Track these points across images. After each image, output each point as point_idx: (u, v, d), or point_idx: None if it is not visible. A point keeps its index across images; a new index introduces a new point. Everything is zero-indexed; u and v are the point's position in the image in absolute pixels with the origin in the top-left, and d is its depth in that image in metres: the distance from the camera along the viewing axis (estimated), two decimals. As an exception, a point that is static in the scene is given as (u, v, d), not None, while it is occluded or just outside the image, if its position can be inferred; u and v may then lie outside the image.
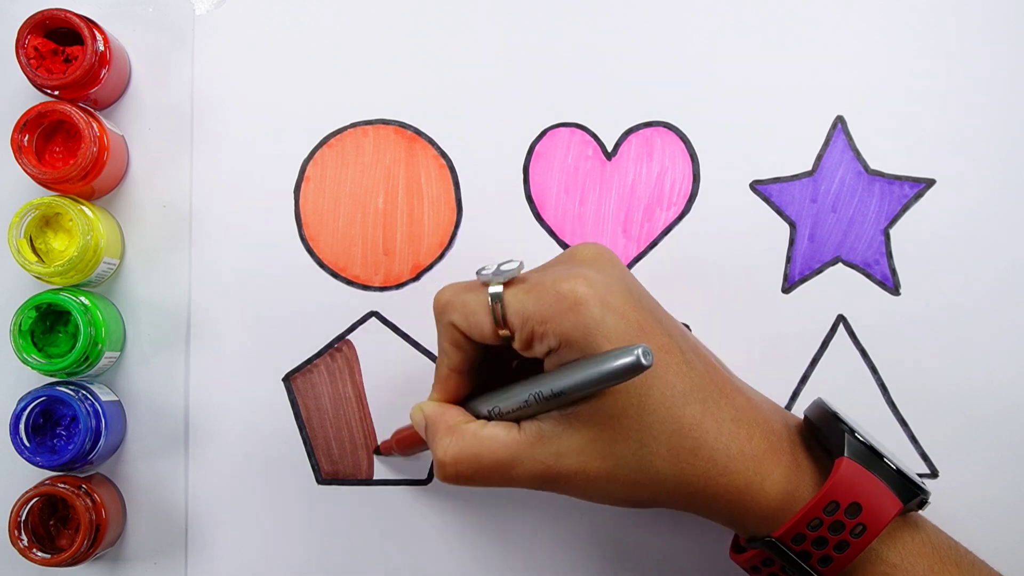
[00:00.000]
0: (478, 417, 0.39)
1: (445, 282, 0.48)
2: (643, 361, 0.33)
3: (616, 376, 0.34)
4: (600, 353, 0.35)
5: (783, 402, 0.48)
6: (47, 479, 0.46)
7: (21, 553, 0.44)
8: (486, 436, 0.38)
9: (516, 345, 0.37)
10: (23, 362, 0.45)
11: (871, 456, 0.37)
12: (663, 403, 0.36)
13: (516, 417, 0.38)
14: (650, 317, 0.37)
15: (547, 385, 0.36)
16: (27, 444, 0.44)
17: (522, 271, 0.38)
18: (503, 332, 0.37)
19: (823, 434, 0.39)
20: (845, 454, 0.37)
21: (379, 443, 0.48)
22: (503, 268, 0.37)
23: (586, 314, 0.35)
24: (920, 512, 0.39)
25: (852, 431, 0.38)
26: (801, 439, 0.39)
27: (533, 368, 0.39)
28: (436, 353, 0.49)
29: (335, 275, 0.49)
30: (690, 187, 0.49)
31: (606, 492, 0.37)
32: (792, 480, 0.37)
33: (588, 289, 0.36)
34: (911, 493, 0.37)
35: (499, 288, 0.37)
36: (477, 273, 0.38)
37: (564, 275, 0.36)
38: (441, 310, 0.39)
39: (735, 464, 0.36)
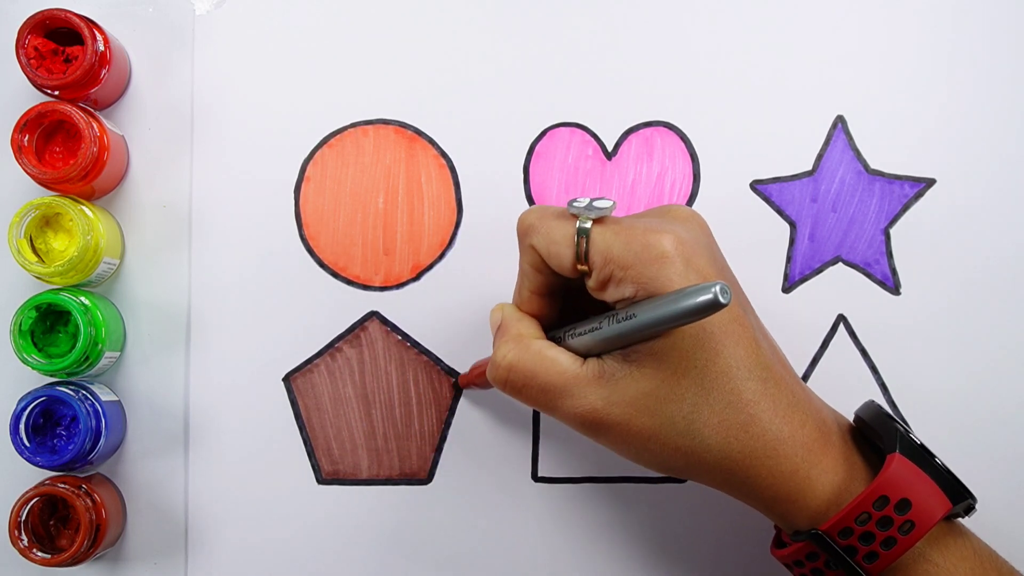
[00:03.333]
0: (550, 338, 0.39)
1: (445, 282, 0.49)
2: (720, 299, 0.32)
3: (692, 312, 0.32)
4: (671, 293, 0.34)
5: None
6: (47, 479, 0.46)
7: (21, 553, 0.44)
8: (548, 357, 0.37)
9: (591, 284, 0.37)
10: (23, 362, 0.45)
11: (923, 455, 0.36)
12: (726, 372, 0.35)
13: (584, 346, 0.37)
14: (725, 273, 0.37)
15: (622, 312, 0.35)
16: (27, 444, 0.44)
17: (613, 212, 0.37)
18: (582, 267, 0.37)
19: (875, 431, 0.38)
20: (897, 451, 0.36)
21: (459, 375, 0.48)
22: (596, 204, 0.36)
23: (669, 268, 0.35)
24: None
25: (906, 430, 0.37)
26: (852, 436, 0.39)
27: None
28: (435, 353, 0.49)
29: (335, 275, 0.49)
30: (690, 187, 0.49)
31: (644, 450, 0.37)
32: (840, 473, 0.36)
33: (675, 245, 0.35)
34: (960, 496, 0.36)
35: (587, 224, 0.36)
36: (569, 204, 0.37)
37: (655, 227, 0.36)
38: (524, 231, 0.39)
39: (785, 448, 0.36)
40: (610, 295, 0.37)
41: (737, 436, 0.36)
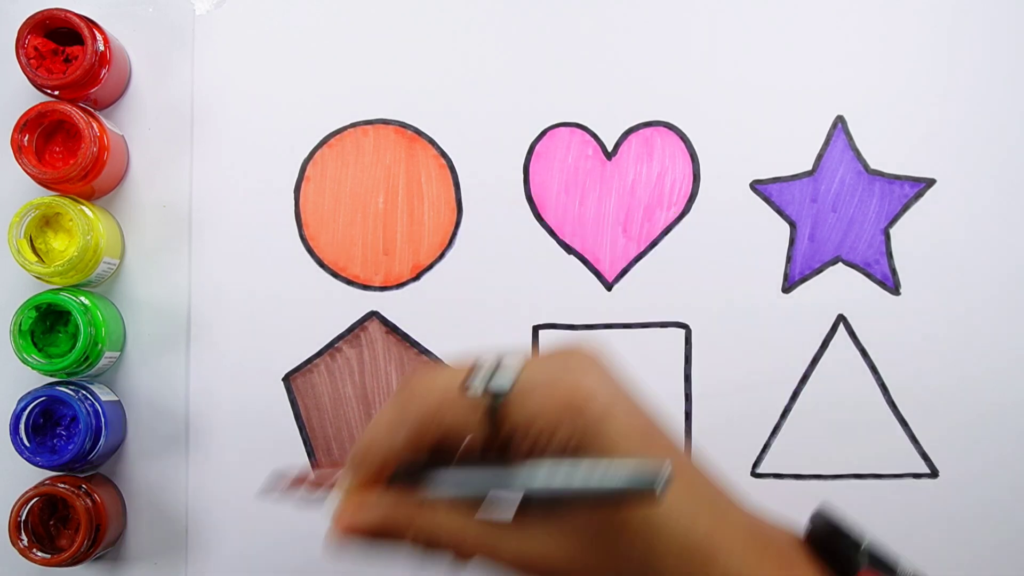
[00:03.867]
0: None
1: (445, 282, 0.49)
2: (660, 480, 0.29)
3: (629, 494, 0.29)
4: (610, 461, 0.30)
5: (783, 402, 0.48)
6: (47, 479, 0.46)
7: (21, 553, 0.44)
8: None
9: (515, 455, 0.32)
10: (23, 362, 0.45)
11: (886, 569, 0.33)
12: (672, 516, 0.32)
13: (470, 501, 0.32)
14: (652, 424, 0.33)
15: (534, 481, 0.31)
16: (27, 444, 0.44)
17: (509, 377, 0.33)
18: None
19: (830, 553, 0.36)
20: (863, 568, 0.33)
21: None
22: (493, 385, 0.32)
23: (591, 418, 0.31)
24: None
25: (857, 546, 0.35)
26: (809, 555, 0.37)
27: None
28: (435, 353, 0.49)
29: (335, 275, 0.49)
30: (690, 187, 0.49)
31: None
32: None
33: (587, 399, 0.31)
34: None
35: (496, 403, 0.32)
36: (465, 385, 0.33)
37: (561, 383, 0.32)
38: (429, 415, 0.33)
39: None
40: (537, 455, 0.32)
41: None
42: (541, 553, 0.32)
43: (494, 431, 0.32)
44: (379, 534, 0.34)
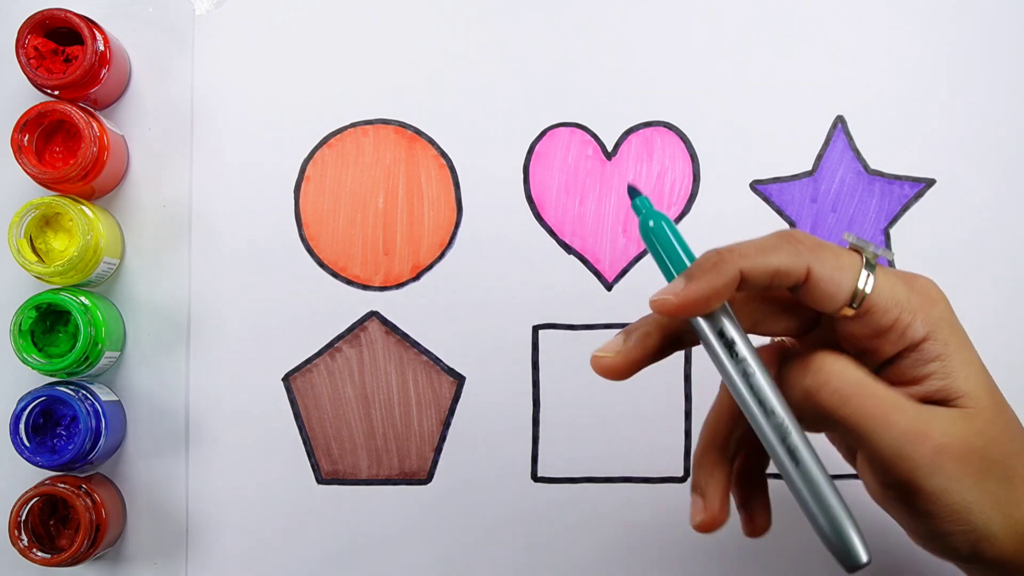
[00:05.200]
0: None
1: (445, 282, 0.49)
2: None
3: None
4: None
5: (783, 402, 0.48)
6: (47, 479, 0.46)
7: (21, 553, 0.44)
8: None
9: (862, 329, 0.34)
10: (23, 362, 0.45)
11: None
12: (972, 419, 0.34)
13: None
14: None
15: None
16: (27, 444, 0.44)
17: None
18: (846, 312, 0.33)
19: None
20: None
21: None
22: (877, 250, 0.34)
23: (949, 310, 0.34)
24: None
25: None
26: None
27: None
28: (435, 354, 0.49)
29: (335, 275, 0.49)
30: (690, 187, 0.49)
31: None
32: None
33: (943, 295, 0.34)
34: None
35: (874, 261, 0.34)
36: (851, 238, 0.35)
37: (916, 275, 0.35)
38: (808, 246, 0.33)
39: None
40: (888, 343, 0.34)
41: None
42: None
43: (859, 300, 0.33)
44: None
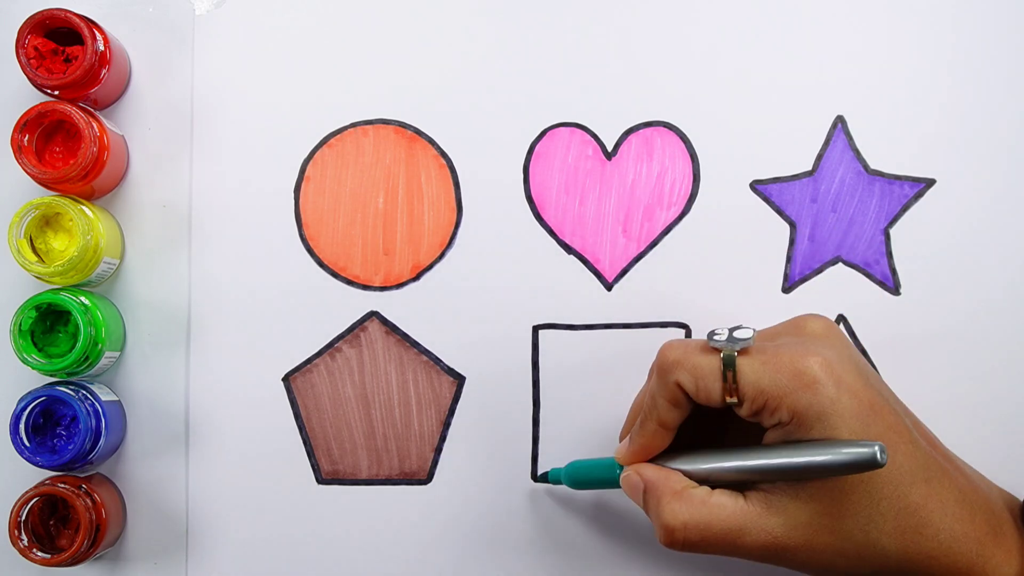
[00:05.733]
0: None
1: (445, 282, 0.49)
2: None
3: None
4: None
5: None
6: (47, 479, 0.46)
7: (21, 553, 0.44)
8: (714, 503, 0.38)
9: (742, 413, 0.38)
10: (23, 362, 0.45)
11: None
12: (891, 482, 0.36)
13: (732, 483, 0.38)
14: (879, 396, 0.37)
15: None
16: (27, 444, 0.44)
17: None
18: (731, 399, 0.37)
19: None
20: None
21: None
22: (737, 336, 0.37)
23: (822, 393, 0.36)
24: None
25: None
26: (1023, 520, 0.40)
27: (730, 426, 0.39)
28: (435, 354, 0.49)
29: (335, 275, 0.49)
30: (690, 187, 0.49)
31: (830, 564, 0.37)
32: (1012, 563, 0.37)
33: (824, 369, 0.36)
34: None
35: (732, 355, 0.37)
36: (709, 336, 0.38)
37: (799, 351, 0.37)
38: (668, 368, 0.39)
39: (958, 545, 0.37)
40: (764, 421, 0.37)
41: (913, 539, 0.37)
42: (783, 531, 0.37)
43: (730, 388, 0.37)
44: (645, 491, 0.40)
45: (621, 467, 0.42)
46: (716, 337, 0.38)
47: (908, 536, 0.36)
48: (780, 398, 0.36)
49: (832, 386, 0.36)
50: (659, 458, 0.41)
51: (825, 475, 0.36)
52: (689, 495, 0.38)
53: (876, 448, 0.34)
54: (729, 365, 0.37)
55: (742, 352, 0.37)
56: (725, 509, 0.37)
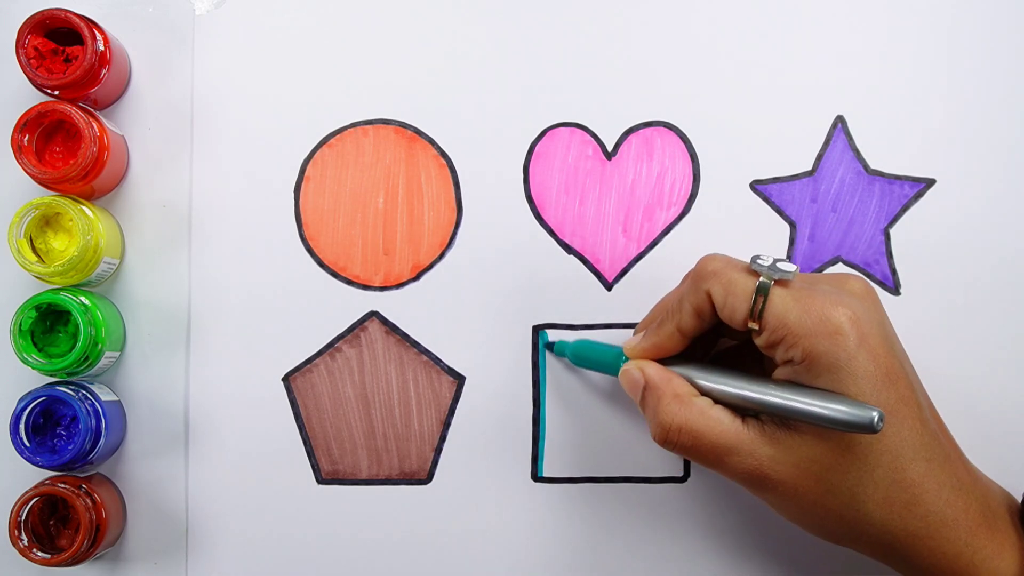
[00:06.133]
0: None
1: (445, 282, 0.49)
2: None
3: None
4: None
5: (783, 402, 0.48)
6: (47, 479, 0.46)
7: (21, 553, 0.44)
8: (712, 417, 0.38)
9: (759, 342, 0.38)
10: (23, 362, 0.45)
11: None
12: (890, 452, 0.36)
13: (731, 405, 0.38)
14: (898, 365, 0.37)
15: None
16: (27, 444, 0.44)
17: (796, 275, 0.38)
18: (752, 324, 0.37)
19: None
20: None
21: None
22: (780, 266, 0.37)
23: (842, 345, 0.36)
24: None
25: None
26: (1021, 520, 0.39)
27: (743, 354, 0.40)
28: (435, 354, 0.49)
29: (335, 275, 0.49)
30: (690, 187, 0.49)
31: (807, 513, 0.38)
32: (1008, 559, 0.37)
33: (851, 322, 0.36)
34: None
35: (768, 283, 0.37)
36: (753, 260, 0.38)
37: (832, 299, 0.37)
38: (704, 276, 0.39)
39: (948, 531, 0.36)
40: (777, 355, 0.38)
41: (900, 514, 0.36)
42: (770, 463, 0.37)
43: (756, 313, 0.37)
44: (646, 386, 0.40)
45: (626, 359, 0.42)
46: (759, 262, 0.38)
47: (896, 510, 0.36)
48: (799, 336, 0.36)
49: (854, 341, 0.36)
50: (665, 363, 0.41)
51: (818, 424, 0.36)
52: (690, 401, 0.38)
53: (875, 414, 0.34)
54: (762, 291, 0.37)
55: (779, 282, 0.37)
56: (721, 424, 0.38)
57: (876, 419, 0.34)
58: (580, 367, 0.48)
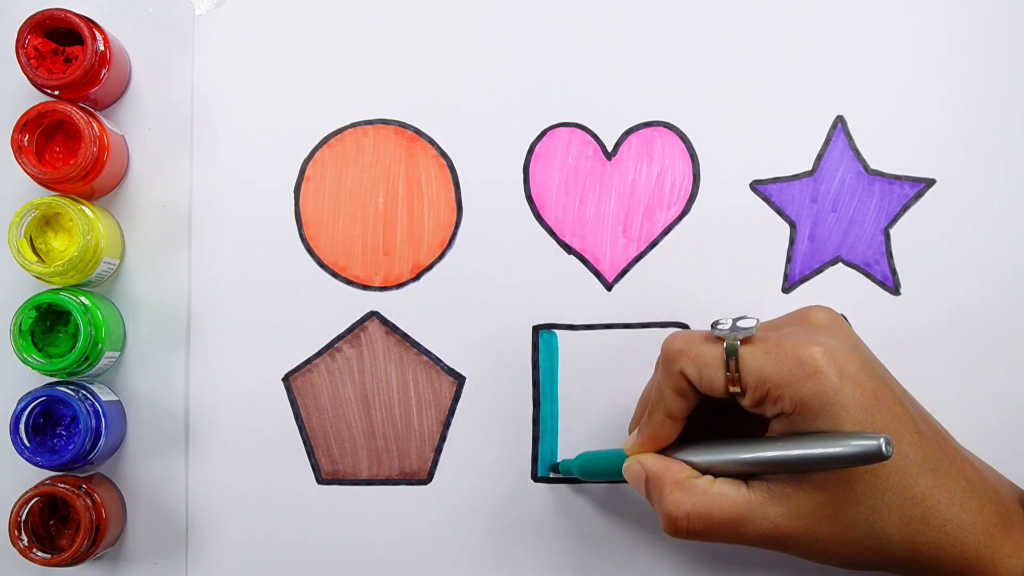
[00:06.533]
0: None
1: (445, 282, 0.49)
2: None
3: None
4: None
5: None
6: (47, 479, 0.46)
7: (21, 553, 0.44)
8: (716, 493, 0.38)
9: (745, 403, 0.38)
10: (23, 362, 0.45)
11: None
12: (896, 472, 0.36)
13: (736, 474, 0.38)
14: (884, 386, 0.37)
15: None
16: (27, 444, 0.44)
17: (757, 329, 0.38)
18: (734, 389, 0.37)
19: None
20: None
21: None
22: (740, 325, 0.37)
23: (825, 383, 0.36)
24: None
25: None
26: None
27: (741, 419, 0.39)
28: (435, 354, 0.49)
29: (335, 275, 0.49)
30: (690, 187, 0.49)
31: (834, 554, 0.38)
32: (1023, 556, 0.37)
33: (827, 358, 0.36)
34: None
35: (736, 344, 0.37)
36: (712, 326, 0.38)
37: (802, 340, 0.37)
38: (673, 358, 0.39)
39: (966, 536, 0.36)
40: (767, 411, 0.37)
41: (919, 529, 0.36)
42: (786, 520, 0.37)
43: (733, 378, 0.37)
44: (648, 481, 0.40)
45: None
46: (720, 326, 0.38)
47: (914, 526, 0.36)
48: (782, 387, 0.36)
49: (835, 375, 0.36)
50: (665, 450, 0.41)
51: (829, 467, 0.36)
52: (692, 485, 0.38)
53: (881, 440, 0.34)
54: (732, 354, 0.37)
55: (745, 341, 0.37)
56: (727, 499, 0.37)
57: (883, 444, 0.34)
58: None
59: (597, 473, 0.45)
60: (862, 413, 0.36)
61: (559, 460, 0.48)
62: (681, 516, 0.38)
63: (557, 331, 0.49)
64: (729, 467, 0.38)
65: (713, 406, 0.40)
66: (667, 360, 0.39)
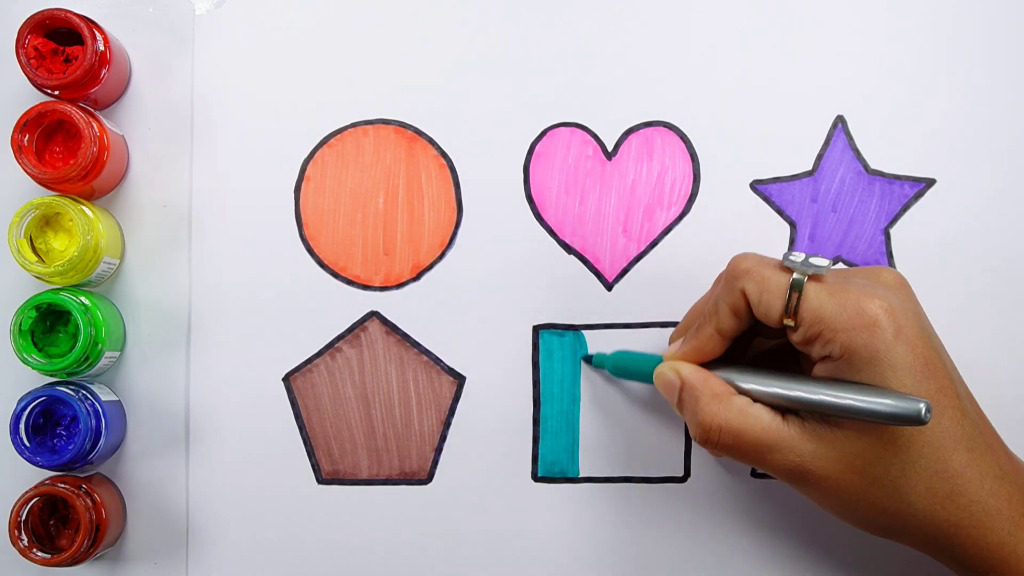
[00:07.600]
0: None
1: (445, 282, 0.49)
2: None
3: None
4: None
5: (783, 402, 0.48)
6: (47, 479, 0.46)
7: (21, 553, 0.44)
8: (752, 414, 0.38)
9: (795, 339, 0.38)
10: (23, 362, 0.45)
11: None
12: (932, 443, 0.36)
13: (775, 402, 0.38)
14: (936, 356, 0.37)
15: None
16: (27, 444, 0.44)
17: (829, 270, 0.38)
18: (788, 321, 0.37)
19: None
20: None
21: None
22: (812, 261, 0.37)
23: (879, 337, 0.36)
24: None
25: None
26: None
27: (784, 355, 0.40)
28: (435, 353, 0.49)
29: (335, 275, 0.49)
30: (690, 187, 0.49)
31: (851, 507, 0.38)
32: None
33: (887, 314, 0.36)
34: None
35: (803, 279, 0.37)
36: (785, 256, 0.38)
37: (867, 292, 0.37)
38: (737, 275, 0.39)
39: (991, 521, 0.36)
40: (815, 352, 0.37)
41: (943, 505, 0.36)
42: (812, 459, 0.37)
43: (791, 309, 0.37)
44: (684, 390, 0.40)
45: None
46: (792, 258, 0.38)
47: (939, 501, 0.36)
48: (836, 331, 0.36)
49: (891, 333, 0.36)
50: (704, 367, 0.41)
51: (866, 420, 0.35)
52: (729, 400, 0.38)
53: (922, 405, 0.34)
54: (796, 287, 0.37)
55: (812, 278, 0.37)
56: (761, 422, 0.38)
57: (924, 410, 0.34)
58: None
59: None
60: (910, 377, 0.36)
61: (594, 353, 0.48)
62: (714, 428, 0.38)
63: (559, 331, 0.49)
64: (767, 397, 0.38)
65: (755, 334, 0.40)
66: (731, 277, 0.39)
